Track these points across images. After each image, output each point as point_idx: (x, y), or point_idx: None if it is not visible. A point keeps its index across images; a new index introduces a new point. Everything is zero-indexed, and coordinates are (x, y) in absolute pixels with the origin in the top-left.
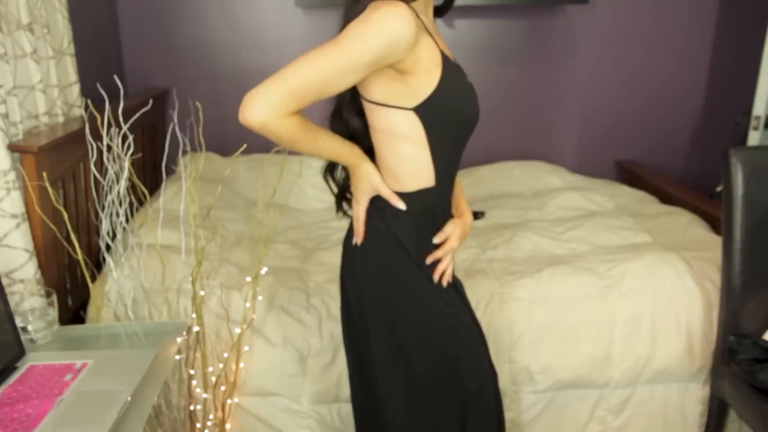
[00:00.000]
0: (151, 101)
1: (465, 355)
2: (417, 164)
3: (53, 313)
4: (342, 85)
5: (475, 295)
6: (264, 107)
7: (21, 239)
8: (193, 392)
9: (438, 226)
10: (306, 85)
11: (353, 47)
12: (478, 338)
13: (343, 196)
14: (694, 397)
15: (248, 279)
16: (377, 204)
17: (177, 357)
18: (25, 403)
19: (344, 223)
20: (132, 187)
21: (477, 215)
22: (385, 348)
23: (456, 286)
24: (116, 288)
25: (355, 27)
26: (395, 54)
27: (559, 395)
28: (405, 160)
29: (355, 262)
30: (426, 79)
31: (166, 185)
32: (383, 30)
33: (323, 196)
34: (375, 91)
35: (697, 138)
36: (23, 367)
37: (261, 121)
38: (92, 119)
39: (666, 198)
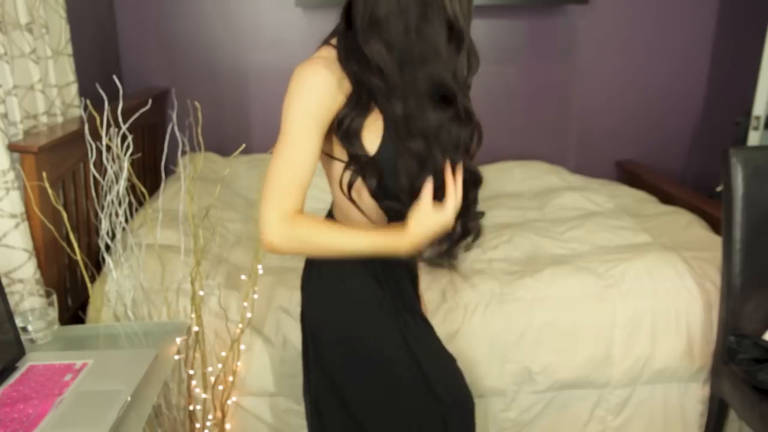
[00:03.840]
0: (150, 101)
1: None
2: None
3: (53, 313)
4: (308, 159)
5: (475, 295)
6: (268, 224)
7: (20, 239)
8: (192, 392)
9: None
10: (280, 184)
11: (290, 124)
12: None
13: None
14: (694, 397)
15: (243, 277)
16: None
17: (176, 357)
18: (25, 403)
19: None
20: (131, 187)
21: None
22: None
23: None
24: (116, 288)
25: (285, 102)
26: (326, 106)
27: (559, 395)
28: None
29: None
30: None
31: (166, 185)
32: (302, 92)
33: (322, 195)
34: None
35: (697, 138)
36: (23, 367)
37: (276, 235)
38: (91, 119)
39: (666, 198)
